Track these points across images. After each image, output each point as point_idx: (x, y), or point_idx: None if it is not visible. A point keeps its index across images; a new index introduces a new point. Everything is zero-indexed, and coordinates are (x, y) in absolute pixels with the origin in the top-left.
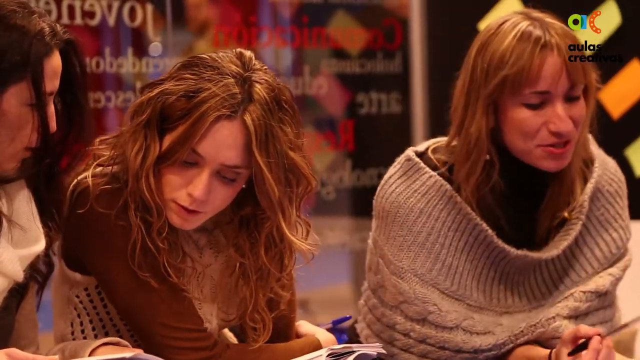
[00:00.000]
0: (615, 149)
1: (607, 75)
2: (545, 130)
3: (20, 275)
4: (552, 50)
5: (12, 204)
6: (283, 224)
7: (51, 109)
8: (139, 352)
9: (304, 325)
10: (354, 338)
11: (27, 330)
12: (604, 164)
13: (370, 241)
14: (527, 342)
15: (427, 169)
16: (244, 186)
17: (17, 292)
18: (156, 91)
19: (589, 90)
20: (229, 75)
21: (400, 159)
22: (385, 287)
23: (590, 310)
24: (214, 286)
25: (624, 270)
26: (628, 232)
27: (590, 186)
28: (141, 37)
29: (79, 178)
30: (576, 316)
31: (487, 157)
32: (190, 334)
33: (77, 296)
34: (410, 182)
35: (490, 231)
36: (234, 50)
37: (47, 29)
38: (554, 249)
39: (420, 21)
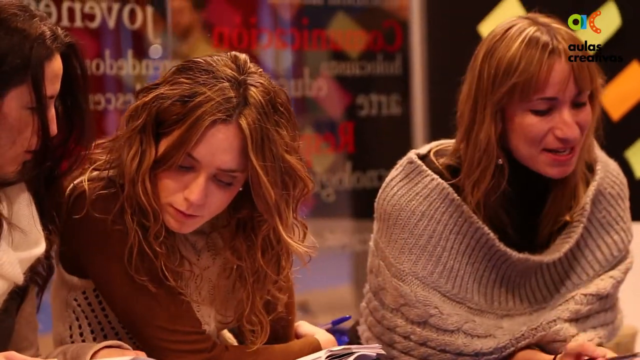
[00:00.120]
0: (615, 151)
1: (607, 76)
2: (552, 136)
3: (20, 278)
4: (559, 57)
5: (12, 207)
6: (280, 227)
7: (52, 112)
8: (140, 354)
9: (303, 326)
10: (355, 340)
11: (27, 333)
12: (606, 167)
13: (371, 243)
14: (528, 346)
15: (429, 171)
16: (240, 189)
17: (17, 294)
18: (151, 96)
19: (594, 96)
20: (223, 79)
21: (403, 161)
22: (386, 289)
23: (591, 313)
24: (212, 288)
25: (626, 272)
26: (630, 234)
27: (592, 189)
28: (141, 40)
29: (75, 182)
30: (577, 319)
31: (499, 161)
32: (189, 336)
33: (76, 299)
34: (412, 184)
35: (491, 234)
36: (228, 54)
37: (48, 32)
38: (556, 252)
39: (420, 23)
